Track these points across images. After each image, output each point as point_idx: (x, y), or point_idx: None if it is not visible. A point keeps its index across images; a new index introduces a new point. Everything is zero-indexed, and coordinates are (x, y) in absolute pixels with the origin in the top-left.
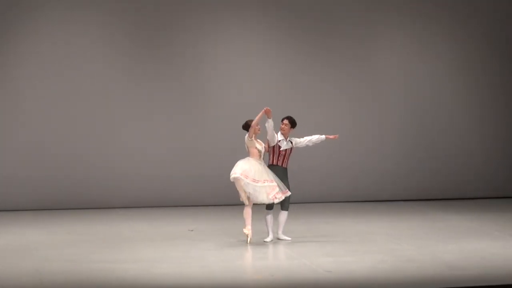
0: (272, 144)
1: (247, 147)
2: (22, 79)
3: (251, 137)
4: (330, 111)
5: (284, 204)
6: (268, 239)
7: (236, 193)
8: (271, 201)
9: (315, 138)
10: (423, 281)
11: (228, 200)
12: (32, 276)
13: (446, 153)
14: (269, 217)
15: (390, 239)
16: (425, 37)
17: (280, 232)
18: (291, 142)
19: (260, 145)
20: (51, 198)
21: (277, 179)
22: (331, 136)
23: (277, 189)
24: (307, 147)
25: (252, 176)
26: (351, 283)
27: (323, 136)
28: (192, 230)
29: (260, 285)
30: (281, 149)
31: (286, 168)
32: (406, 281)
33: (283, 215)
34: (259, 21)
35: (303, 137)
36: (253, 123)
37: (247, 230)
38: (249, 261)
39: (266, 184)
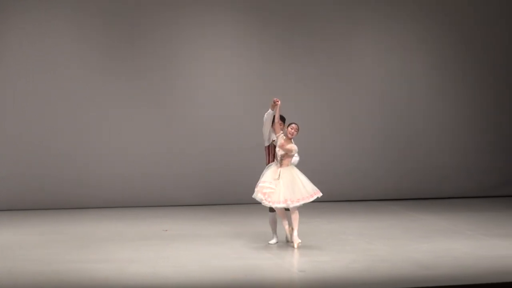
0: (266, 144)
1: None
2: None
3: (278, 133)
4: (308, 110)
5: None
6: (273, 242)
7: (213, 193)
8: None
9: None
10: (396, 280)
11: (205, 200)
12: (5, 276)
13: (422, 153)
14: (273, 219)
15: (363, 238)
16: (403, 36)
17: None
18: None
19: (290, 145)
20: (24, 198)
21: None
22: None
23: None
24: None
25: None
26: (325, 283)
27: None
28: (166, 230)
29: (234, 285)
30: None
31: None
32: (379, 281)
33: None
34: (238, 20)
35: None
36: (276, 119)
37: (289, 230)
38: (223, 261)
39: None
